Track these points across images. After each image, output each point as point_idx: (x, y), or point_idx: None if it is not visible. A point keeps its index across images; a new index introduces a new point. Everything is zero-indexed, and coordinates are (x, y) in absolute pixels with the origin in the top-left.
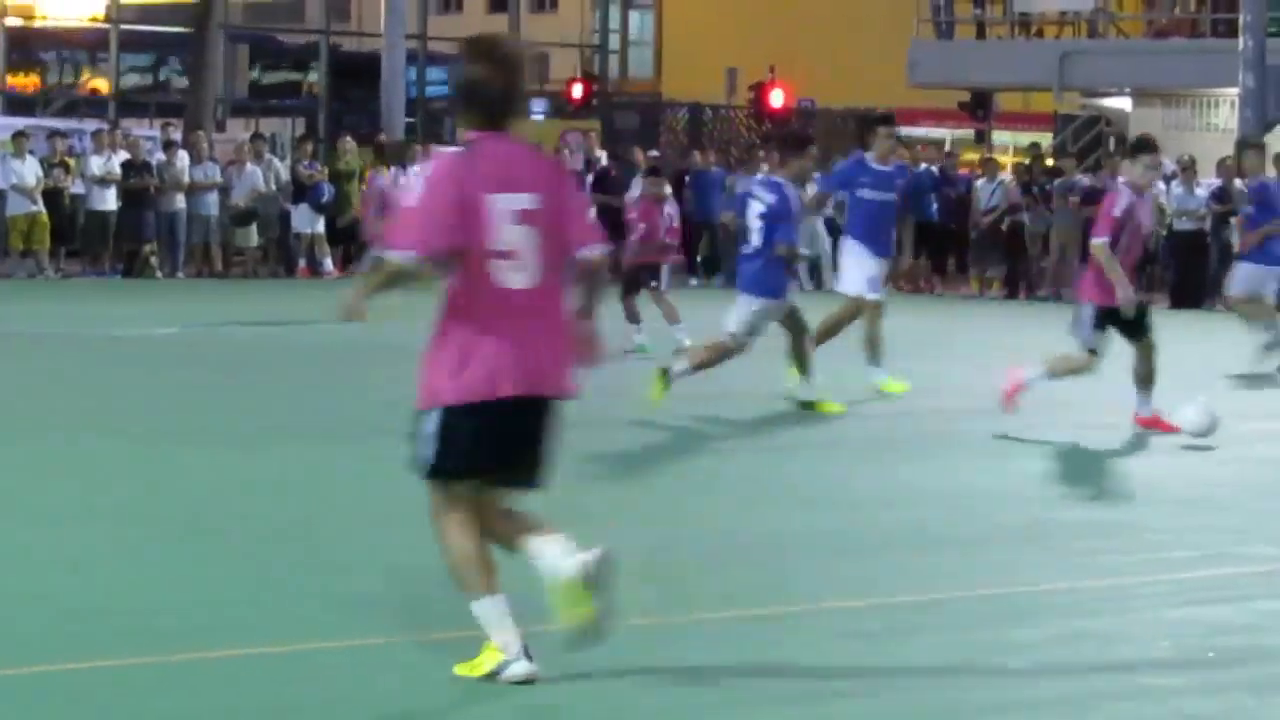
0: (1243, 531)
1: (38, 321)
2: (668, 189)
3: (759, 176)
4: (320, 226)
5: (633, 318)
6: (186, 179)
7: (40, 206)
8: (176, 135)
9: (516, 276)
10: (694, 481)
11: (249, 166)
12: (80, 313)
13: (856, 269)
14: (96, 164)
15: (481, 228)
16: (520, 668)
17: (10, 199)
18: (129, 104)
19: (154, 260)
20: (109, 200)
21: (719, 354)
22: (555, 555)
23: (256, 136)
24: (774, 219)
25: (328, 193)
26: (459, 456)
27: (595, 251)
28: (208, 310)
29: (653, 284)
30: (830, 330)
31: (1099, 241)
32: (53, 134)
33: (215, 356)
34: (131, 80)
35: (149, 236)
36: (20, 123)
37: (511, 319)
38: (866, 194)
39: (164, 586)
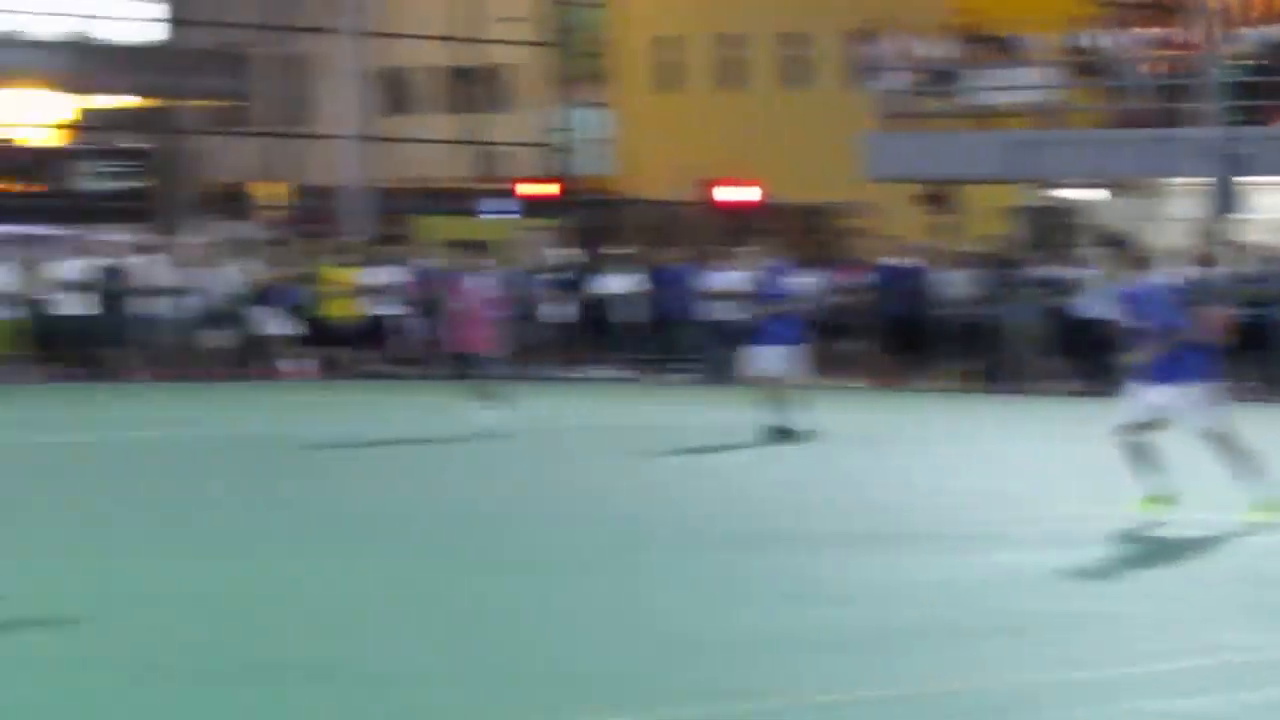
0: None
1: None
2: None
3: None
4: (288, 328)
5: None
6: (161, 282)
7: (23, 312)
8: (148, 239)
9: None
10: (656, 577)
11: (216, 269)
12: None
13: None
14: (70, 269)
15: None
16: None
17: None
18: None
19: (128, 362)
20: (80, 305)
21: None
22: None
23: (225, 239)
24: None
25: (297, 296)
26: None
27: None
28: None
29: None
30: None
31: None
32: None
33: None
34: (95, 184)
35: (121, 340)
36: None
37: None
38: None
39: None
